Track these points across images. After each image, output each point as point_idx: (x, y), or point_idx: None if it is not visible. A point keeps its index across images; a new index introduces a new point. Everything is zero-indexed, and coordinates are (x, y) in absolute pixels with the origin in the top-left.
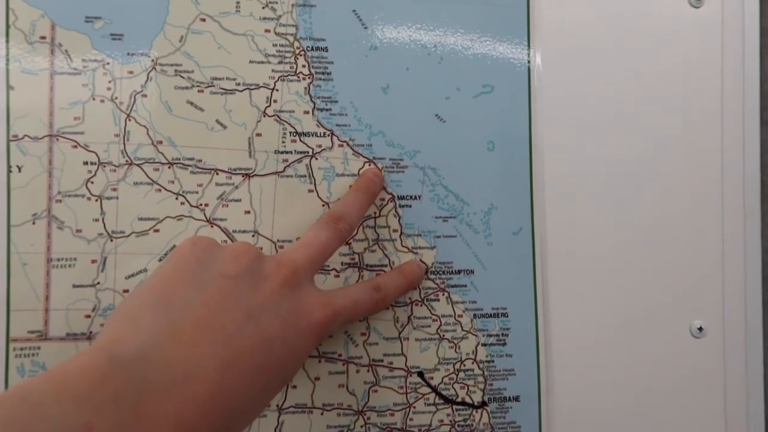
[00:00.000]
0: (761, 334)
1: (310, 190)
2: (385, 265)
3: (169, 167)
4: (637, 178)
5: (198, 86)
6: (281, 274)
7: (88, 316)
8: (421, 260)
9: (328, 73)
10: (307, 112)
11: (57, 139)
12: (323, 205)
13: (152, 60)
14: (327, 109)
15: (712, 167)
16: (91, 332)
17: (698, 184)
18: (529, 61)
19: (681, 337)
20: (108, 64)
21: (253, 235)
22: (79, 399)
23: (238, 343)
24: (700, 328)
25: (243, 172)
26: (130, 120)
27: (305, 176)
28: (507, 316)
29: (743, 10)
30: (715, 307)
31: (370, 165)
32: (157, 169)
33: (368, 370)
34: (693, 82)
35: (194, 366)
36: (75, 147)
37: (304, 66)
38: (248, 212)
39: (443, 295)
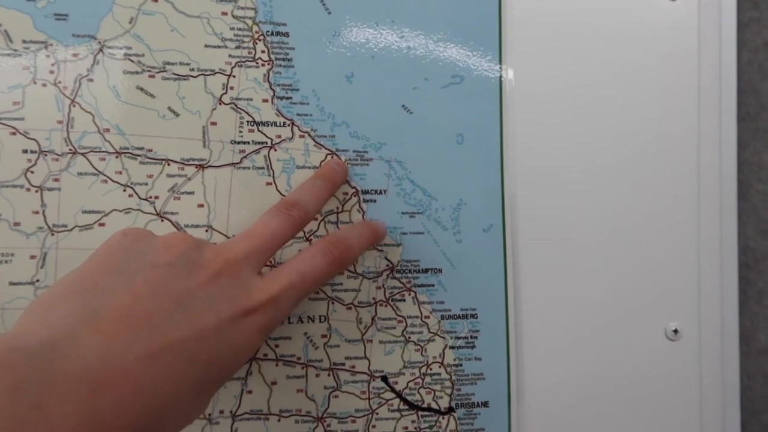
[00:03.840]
0: (737, 336)
1: (269, 183)
2: None
3: (117, 157)
4: (612, 175)
5: (149, 71)
6: (218, 264)
7: None
8: (386, 258)
9: (288, 60)
10: (266, 101)
11: None
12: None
13: (99, 42)
14: (287, 98)
15: (689, 165)
16: None
17: (674, 182)
18: (500, 52)
19: (656, 340)
20: (51, 45)
21: (206, 230)
22: None
23: (165, 334)
24: (676, 330)
25: (196, 162)
26: (74, 106)
27: (263, 168)
28: (476, 318)
29: (720, 3)
30: (690, 308)
31: (332, 157)
32: (104, 159)
33: (329, 374)
34: (669, 77)
35: (113, 355)
36: (14, 134)
37: (263, 51)
38: (201, 206)
39: (409, 295)
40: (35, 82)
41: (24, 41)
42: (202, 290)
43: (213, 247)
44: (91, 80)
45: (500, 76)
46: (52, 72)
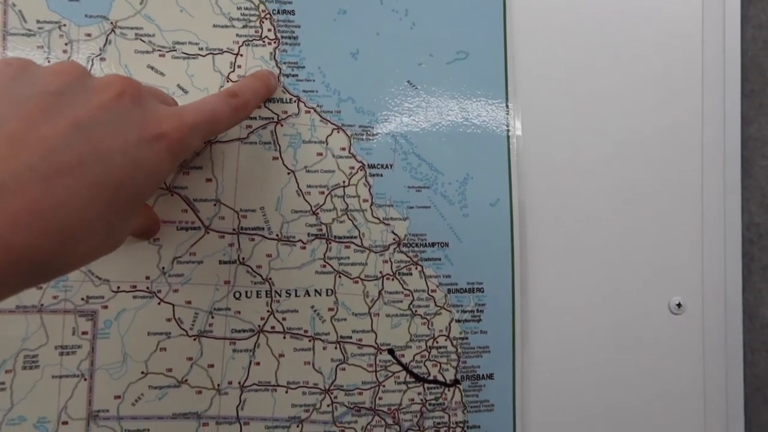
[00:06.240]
0: (741, 310)
1: (275, 158)
2: (355, 237)
3: None
4: (617, 150)
5: (159, 50)
6: (119, 85)
7: (39, 288)
8: (393, 232)
9: (294, 38)
10: None
11: None
12: (288, 173)
13: (111, 23)
14: (293, 75)
15: (693, 141)
16: (42, 305)
17: (679, 158)
18: (504, 28)
19: (659, 314)
20: (65, 25)
21: (214, 204)
22: None
23: (63, 156)
24: (679, 305)
25: None
26: None
27: (270, 143)
28: (482, 292)
29: None
30: (694, 283)
31: (339, 132)
32: None
33: (336, 347)
34: (673, 54)
35: (5, 177)
36: None
37: (269, 30)
38: (210, 180)
39: (416, 268)
40: (49, 61)
41: (38, 21)
42: (103, 113)
43: (112, 74)
44: (103, 59)
45: (505, 52)
46: (65, 51)
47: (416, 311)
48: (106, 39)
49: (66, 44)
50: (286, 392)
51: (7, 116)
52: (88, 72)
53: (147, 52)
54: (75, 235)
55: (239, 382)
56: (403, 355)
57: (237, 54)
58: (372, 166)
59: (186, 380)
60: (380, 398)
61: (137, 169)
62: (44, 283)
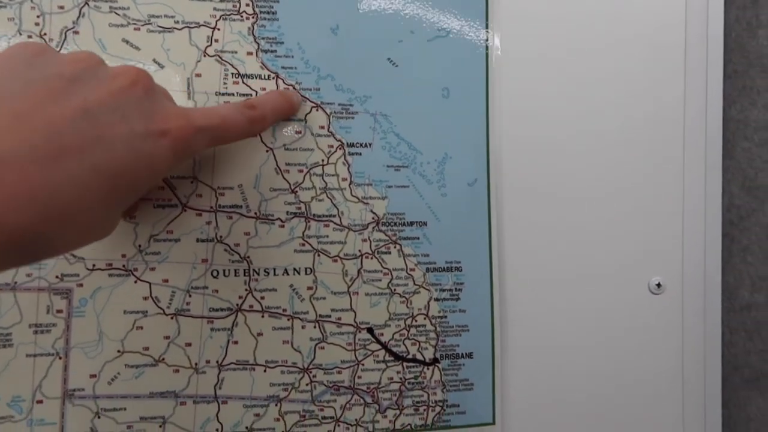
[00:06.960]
0: (720, 291)
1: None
2: (334, 216)
3: None
4: (597, 131)
5: (134, 24)
6: (132, 75)
7: None
8: (372, 211)
9: (273, 13)
10: (251, 54)
11: None
12: (267, 151)
13: None
14: (272, 51)
15: (675, 122)
16: (15, 282)
17: (660, 139)
18: (486, 5)
19: (639, 294)
20: None
21: (191, 181)
22: None
23: (67, 139)
24: (659, 285)
25: None
26: None
27: None
28: (461, 270)
29: None
30: (674, 263)
31: (318, 110)
32: None
33: (315, 326)
34: (656, 34)
35: (7, 156)
36: None
37: (247, 5)
38: None
39: (395, 247)
40: (20, 33)
41: None
42: (113, 100)
43: (125, 65)
44: (77, 33)
45: (486, 30)
46: (37, 24)
47: (395, 290)
48: (80, 12)
49: (38, 17)
50: (265, 371)
51: (15, 94)
52: (104, 62)
53: (122, 25)
54: (70, 218)
55: (217, 361)
56: (382, 334)
57: (214, 28)
58: (351, 145)
59: (163, 359)
60: (359, 377)
61: (138, 160)
62: (33, 263)
